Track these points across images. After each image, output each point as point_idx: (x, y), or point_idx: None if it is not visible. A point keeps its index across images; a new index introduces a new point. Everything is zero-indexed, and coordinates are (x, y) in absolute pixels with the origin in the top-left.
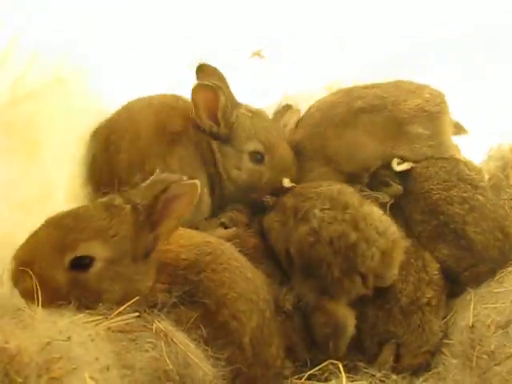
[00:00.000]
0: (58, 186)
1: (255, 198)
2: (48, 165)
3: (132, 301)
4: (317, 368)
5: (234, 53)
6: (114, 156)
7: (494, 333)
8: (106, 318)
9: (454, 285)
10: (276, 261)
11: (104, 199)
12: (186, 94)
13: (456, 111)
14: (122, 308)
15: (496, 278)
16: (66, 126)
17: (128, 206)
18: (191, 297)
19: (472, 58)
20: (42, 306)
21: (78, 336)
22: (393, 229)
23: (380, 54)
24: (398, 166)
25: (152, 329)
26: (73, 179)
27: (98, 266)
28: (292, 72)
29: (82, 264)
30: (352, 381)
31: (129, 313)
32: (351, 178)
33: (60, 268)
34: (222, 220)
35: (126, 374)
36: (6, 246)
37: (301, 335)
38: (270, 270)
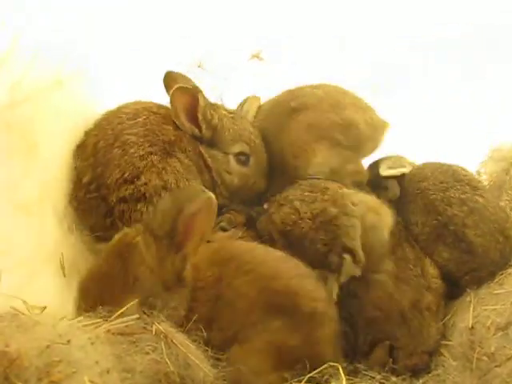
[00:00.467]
0: (57, 187)
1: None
2: (47, 166)
3: (131, 303)
4: (316, 371)
5: (234, 53)
6: (104, 168)
7: (493, 334)
8: (106, 320)
9: (454, 287)
10: None
11: (113, 242)
12: None
13: (456, 111)
14: (121, 310)
15: (496, 279)
16: (66, 127)
17: (139, 238)
18: None
19: (472, 58)
20: None
21: (77, 339)
22: (369, 197)
23: (380, 55)
24: (385, 171)
25: (152, 331)
26: (70, 180)
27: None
28: (291, 73)
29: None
30: (352, 383)
31: (129, 315)
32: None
33: None
34: (222, 224)
35: (126, 377)
36: (5, 248)
37: None
38: None
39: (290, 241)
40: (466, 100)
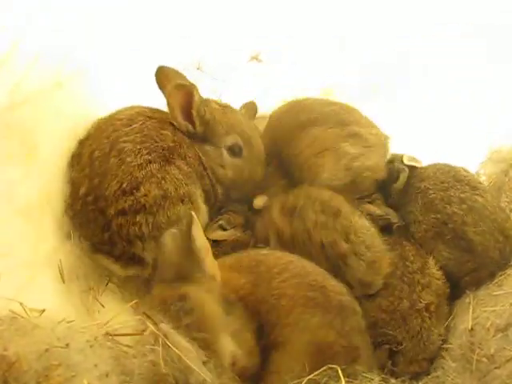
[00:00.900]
0: (56, 191)
1: (240, 197)
2: (47, 170)
3: (130, 304)
4: (316, 373)
5: (233, 54)
6: (101, 179)
7: (493, 336)
8: (104, 323)
9: (454, 288)
10: None
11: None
12: None
13: (456, 112)
14: (119, 312)
15: (495, 280)
16: (66, 129)
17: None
18: None
19: (472, 58)
20: None
21: (76, 342)
22: (378, 242)
23: (380, 55)
24: (407, 161)
25: (150, 332)
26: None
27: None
28: (291, 73)
29: None
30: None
31: (128, 317)
32: None
33: None
34: (220, 223)
35: (125, 380)
36: (4, 251)
37: None
38: None
39: (295, 250)
40: (466, 100)
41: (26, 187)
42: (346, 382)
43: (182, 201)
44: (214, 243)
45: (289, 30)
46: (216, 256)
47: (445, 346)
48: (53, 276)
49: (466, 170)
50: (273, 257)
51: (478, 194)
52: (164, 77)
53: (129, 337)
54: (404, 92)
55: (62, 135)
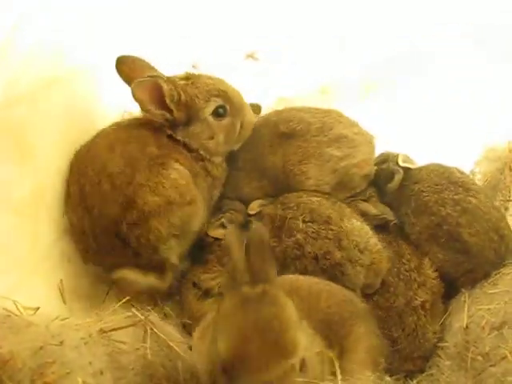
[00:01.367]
0: (51, 189)
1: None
2: (42, 168)
3: (123, 300)
4: None
5: (230, 54)
6: (100, 208)
7: (488, 334)
8: (98, 319)
9: (450, 287)
10: None
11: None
12: None
13: (453, 111)
14: (113, 308)
15: (490, 279)
16: (61, 128)
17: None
18: None
19: (470, 57)
20: None
21: (70, 340)
22: (373, 241)
23: (378, 55)
24: (402, 163)
25: (142, 326)
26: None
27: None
28: (288, 73)
29: None
30: (347, 382)
31: (121, 313)
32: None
33: None
34: (222, 221)
35: (119, 376)
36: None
37: None
38: None
39: (288, 268)
40: (463, 100)
41: (20, 186)
42: (341, 378)
43: (189, 203)
44: (216, 241)
45: (287, 29)
46: None
47: (440, 344)
48: (47, 273)
49: (460, 172)
50: (304, 281)
51: (471, 196)
52: (125, 66)
53: (122, 333)
54: (401, 91)
55: (57, 134)
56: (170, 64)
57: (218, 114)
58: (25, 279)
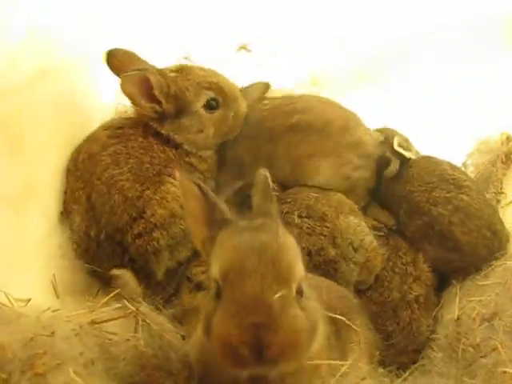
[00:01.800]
0: (42, 181)
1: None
2: (33, 161)
3: (114, 292)
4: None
5: (222, 45)
6: (109, 216)
7: (479, 325)
8: (89, 311)
9: (442, 280)
10: None
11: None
12: None
13: (445, 102)
14: (104, 300)
15: (482, 271)
16: (53, 120)
17: None
18: None
19: (464, 49)
20: None
21: (61, 331)
22: (369, 239)
23: (369, 46)
24: (398, 147)
25: (133, 316)
26: (58, 175)
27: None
28: (280, 65)
29: None
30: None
31: (112, 304)
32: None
33: None
34: None
35: (110, 367)
36: None
37: None
38: None
39: None
40: (457, 93)
41: (11, 178)
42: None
43: None
44: None
45: (279, 21)
46: None
47: (431, 336)
48: (38, 265)
49: (451, 167)
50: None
51: (463, 193)
52: (115, 60)
53: (113, 325)
54: (393, 83)
55: (48, 126)
56: (162, 56)
57: (210, 106)
58: (16, 272)
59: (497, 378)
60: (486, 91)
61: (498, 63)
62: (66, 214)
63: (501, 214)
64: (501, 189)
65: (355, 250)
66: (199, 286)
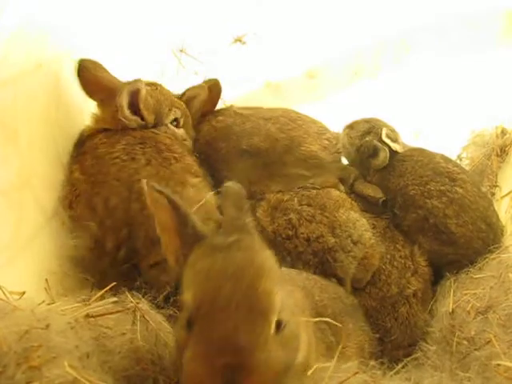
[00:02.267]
0: (37, 174)
1: None
2: (27, 153)
3: (110, 285)
4: None
5: (218, 38)
6: (130, 229)
7: (473, 318)
8: (85, 304)
9: (436, 273)
10: None
11: None
12: (170, 80)
13: (439, 94)
14: (99, 294)
15: (476, 265)
16: (46, 113)
17: None
18: None
19: (456, 42)
20: None
21: (57, 324)
22: (368, 235)
23: (366, 39)
24: (386, 138)
25: (129, 311)
26: (51, 167)
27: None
28: (276, 57)
29: None
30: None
31: (107, 298)
32: None
33: None
34: None
35: (105, 360)
36: None
37: None
38: None
39: (277, 250)
40: (452, 86)
41: (5, 171)
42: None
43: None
44: None
45: (275, 14)
46: None
47: (426, 329)
48: (32, 258)
49: (444, 160)
50: (297, 275)
51: (458, 186)
52: (86, 71)
53: (108, 318)
54: (389, 76)
55: (42, 118)
56: (157, 49)
57: (175, 123)
58: (10, 265)
59: (490, 371)
60: (481, 84)
61: (493, 56)
62: (76, 220)
63: (495, 207)
64: (495, 182)
65: (354, 243)
66: None
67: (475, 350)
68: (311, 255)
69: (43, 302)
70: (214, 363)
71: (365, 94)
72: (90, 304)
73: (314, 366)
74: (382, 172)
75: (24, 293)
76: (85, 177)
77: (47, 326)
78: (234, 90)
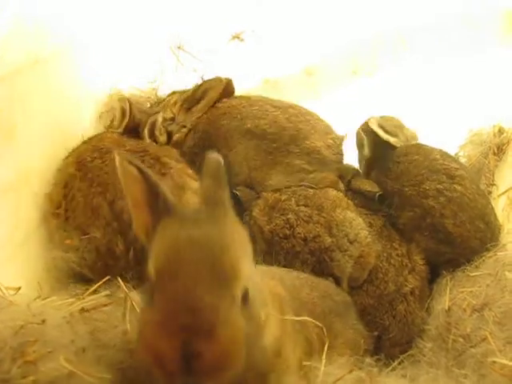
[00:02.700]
0: (34, 170)
1: None
2: (25, 150)
3: (102, 280)
4: None
5: (215, 34)
6: None
7: (469, 316)
8: (79, 298)
9: (432, 271)
10: None
11: None
12: (169, 77)
13: (437, 92)
14: (94, 288)
15: (473, 263)
16: (44, 109)
17: None
18: None
19: (455, 39)
20: None
21: (52, 319)
22: (364, 234)
23: (364, 36)
24: (374, 125)
25: (121, 302)
26: (49, 164)
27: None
28: (274, 55)
29: None
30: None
31: (100, 291)
32: None
33: None
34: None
35: (101, 354)
36: None
37: None
38: None
39: (274, 249)
40: (450, 84)
41: (3, 167)
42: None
43: None
44: None
45: (273, 11)
46: None
47: (423, 326)
48: (28, 255)
49: (442, 157)
50: (287, 274)
51: (456, 183)
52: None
53: (101, 312)
54: (387, 73)
55: (40, 114)
56: (155, 45)
57: None
58: (5, 261)
59: (486, 368)
60: (479, 83)
61: (491, 55)
62: (72, 225)
63: (493, 205)
64: (492, 180)
65: (350, 242)
66: None
67: (471, 347)
68: (308, 254)
69: (38, 297)
70: (172, 325)
71: (363, 91)
72: (84, 298)
73: (307, 364)
74: (378, 175)
75: (20, 288)
76: (82, 173)
77: (43, 320)
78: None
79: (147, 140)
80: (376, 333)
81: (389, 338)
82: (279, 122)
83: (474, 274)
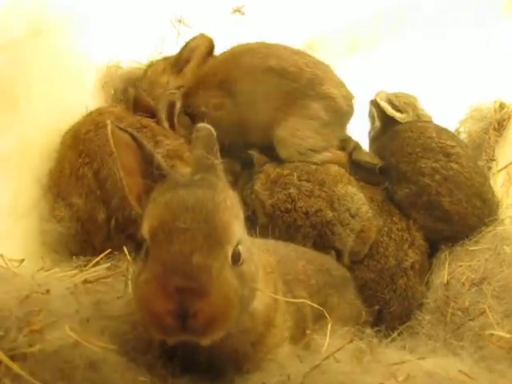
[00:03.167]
0: (35, 143)
1: None
2: (27, 123)
3: (105, 252)
4: None
5: (217, 8)
6: (120, 200)
7: (468, 290)
8: (81, 270)
9: (431, 246)
10: None
11: None
12: (169, 50)
13: (437, 68)
14: (96, 260)
15: (472, 237)
16: (46, 80)
17: None
18: None
19: (460, 15)
20: None
21: (56, 289)
22: (365, 208)
23: (365, 10)
24: (382, 102)
25: (123, 273)
26: (50, 135)
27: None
28: (274, 28)
29: None
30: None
31: (102, 263)
32: None
33: None
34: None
35: (105, 325)
36: None
37: None
38: None
39: (276, 223)
40: (451, 59)
41: (5, 139)
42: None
43: None
44: None
45: None
46: None
47: (422, 300)
48: (30, 227)
49: (438, 134)
50: (283, 246)
51: (452, 161)
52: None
53: (104, 283)
54: (387, 47)
55: (42, 86)
56: (156, 19)
57: None
58: (8, 234)
59: (484, 341)
60: (480, 58)
61: (493, 30)
62: (60, 195)
63: (492, 181)
64: (493, 156)
65: (352, 216)
66: None
67: (469, 320)
68: (310, 228)
69: (42, 268)
70: (167, 285)
71: (363, 66)
72: (87, 270)
73: (308, 332)
74: (378, 149)
75: (23, 260)
76: (74, 143)
77: (47, 291)
78: None
79: (165, 125)
80: (377, 307)
81: (389, 312)
82: (298, 64)
83: (472, 248)
